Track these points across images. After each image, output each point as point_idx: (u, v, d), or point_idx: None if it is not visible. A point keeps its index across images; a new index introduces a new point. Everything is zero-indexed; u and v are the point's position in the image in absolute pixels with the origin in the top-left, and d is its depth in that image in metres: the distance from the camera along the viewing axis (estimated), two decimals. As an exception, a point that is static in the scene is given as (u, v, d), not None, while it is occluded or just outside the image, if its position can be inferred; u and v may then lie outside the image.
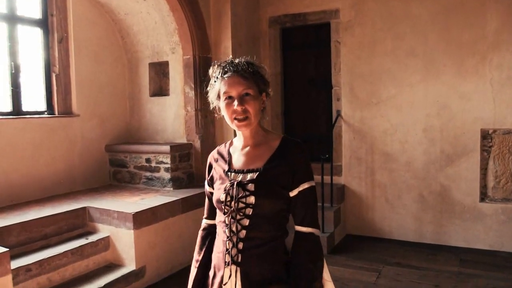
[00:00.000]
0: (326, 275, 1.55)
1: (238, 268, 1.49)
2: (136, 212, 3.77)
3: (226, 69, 1.51)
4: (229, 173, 1.58)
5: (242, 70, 1.50)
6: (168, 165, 4.66)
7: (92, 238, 3.79)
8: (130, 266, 3.77)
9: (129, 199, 4.26)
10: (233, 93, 1.50)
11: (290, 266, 1.52)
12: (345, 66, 5.20)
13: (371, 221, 5.16)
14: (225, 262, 1.51)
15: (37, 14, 4.48)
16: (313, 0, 5.29)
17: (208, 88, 1.60)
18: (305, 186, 1.51)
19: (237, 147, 1.64)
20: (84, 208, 4.00)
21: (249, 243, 1.49)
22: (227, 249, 1.50)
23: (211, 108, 1.63)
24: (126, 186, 4.94)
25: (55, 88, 4.56)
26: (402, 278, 3.94)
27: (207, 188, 1.71)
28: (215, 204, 1.60)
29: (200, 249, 1.70)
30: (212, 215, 1.69)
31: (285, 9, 5.48)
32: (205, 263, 1.66)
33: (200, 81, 4.86)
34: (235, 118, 1.51)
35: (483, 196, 4.64)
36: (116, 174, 5.07)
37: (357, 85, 5.14)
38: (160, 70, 5.23)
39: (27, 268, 3.20)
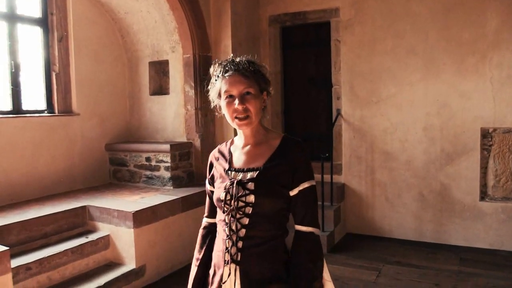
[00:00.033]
0: (326, 275, 1.55)
1: (237, 267, 1.49)
2: (136, 211, 3.77)
3: (227, 68, 1.51)
4: (229, 171, 1.58)
5: (243, 69, 1.50)
6: (168, 164, 4.66)
7: (92, 237, 3.80)
8: (130, 264, 3.77)
9: (129, 198, 4.26)
10: (234, 92, 1.50)
11: (290, 265, 1.52)
12: (345, 65, 5.19)
13: (371, 220, 5.17)
14: (225, 260, 1.51)
15: (37, 13, 4.48)
16: (313, -1, 5.30)
17: (209, 87, 1.60)
18: (305, 185, 1.51)
19: (237, 146, 1.64)
20: (84, 207, 4.01)
21: (249, 242, 1.49)
22: (226, 248, 1.50)
23: (211, 107, 1.62)
24: (126, 185, 4.94)
25: (55, 87, 4.56)
26: (402, 277, 3.95)
27: (207, 186, 1.71)
28: (215, 203, 1.60)
29: (201, 247, 1.70)
30: (212, 213, 1.69)
31: (285, 8, 5.48)
32: (206, 262, 1.67)
33: (200, 80, 4.86)
34: (236, 117, 1.51)
35: (483, 195, 4.64)
36: (116, 173, 5.07)
37: (357, 84, 5.14)
38: (160, 69, 5.23)
39: (27, 266, 3.20)
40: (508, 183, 4.54)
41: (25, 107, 4.35)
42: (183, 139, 4.99)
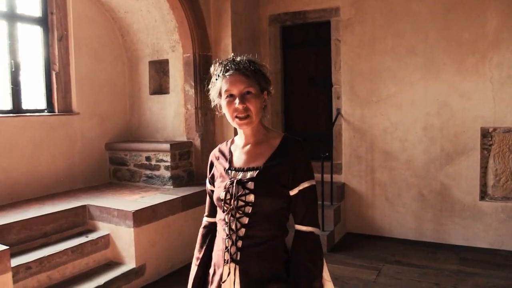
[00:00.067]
0: (326, 274, 1.55)
1: (237, 266, 1.49)
2: (136, 210, 3.77)
3: (227, 67, 1.51)
4: (229, 171, 1.58)
5: (243, 68, 1.50)
6: (168, 163, 4.66)
7: (92, 236, 3.80)
8: (130, 264, 3.77)
9: (129, 197, 4.26)
10: (235, 91, 1.50)
11: (289, 265, 1.51)
12: (345, 64, 5.19)
13: (371, 219, 5.17)
14: (224, 260, 1.51)
15: (37, 12, 4.48)
16: (313, -2, 5.30)
17: (209, 86, 1.60)
18: (305, 185, 1.51)
19: (238, 145, 1.64)
20: (84, 206, 4.01)
21: (249, 241, 1.49)
22: (226, 247, 1.50)
23: (212, 106, 1.62)
24: (126, 184, 4.94)
25: (55, 86, 4.56)
26: (402, 276, 3.95)
27: (208, 186, 1.71)
28: (215, 202, 1.60)
29: (201, 247, 1.71)
30: (213, 213, 1.69)
31: (285, 7, 5.47)
32: (206, 261, 1.67)
33: (200, 79, 4.86)
34: (236, 116, 1.51)
35: (483, 195, 4.64)
36: (116, 172, 5.07)
37: (357, 83, 5.14)
38: (160, 68, 5.22)
39: (27, 266, 3.20)
40: (508, 182, 4.55)
41: (25, 106, 4.34)
42: (183, 138, 4.99)
